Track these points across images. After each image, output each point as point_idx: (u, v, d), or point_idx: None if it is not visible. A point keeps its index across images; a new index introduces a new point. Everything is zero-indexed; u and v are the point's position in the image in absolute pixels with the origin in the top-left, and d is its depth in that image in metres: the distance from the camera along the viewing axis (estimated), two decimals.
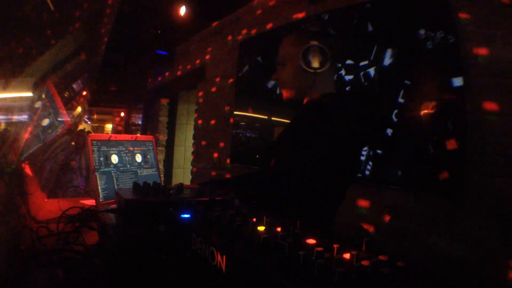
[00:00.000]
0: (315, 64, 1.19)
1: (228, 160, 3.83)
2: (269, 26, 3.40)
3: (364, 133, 1.27)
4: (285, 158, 1.28)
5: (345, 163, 1.21)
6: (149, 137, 1.76)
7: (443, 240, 1.89)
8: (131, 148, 1.64)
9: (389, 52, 2.23)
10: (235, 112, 3.74)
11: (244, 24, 3.81)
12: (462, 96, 1.87)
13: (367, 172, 2.30)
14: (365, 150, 2.29)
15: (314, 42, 1.19)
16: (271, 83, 3.25)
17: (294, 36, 1.31)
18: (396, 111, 2.14)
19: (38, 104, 1.81)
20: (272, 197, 1.27)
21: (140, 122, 8.08)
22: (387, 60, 2.24)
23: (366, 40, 2.37)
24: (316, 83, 1.24)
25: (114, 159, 1.55)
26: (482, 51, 1.84)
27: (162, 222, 0.94)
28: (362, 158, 2.31)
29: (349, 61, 2.45)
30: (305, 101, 1.30)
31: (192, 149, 4.79)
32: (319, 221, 1.17)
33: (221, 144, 4.04)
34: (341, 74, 2.46)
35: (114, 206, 1.28)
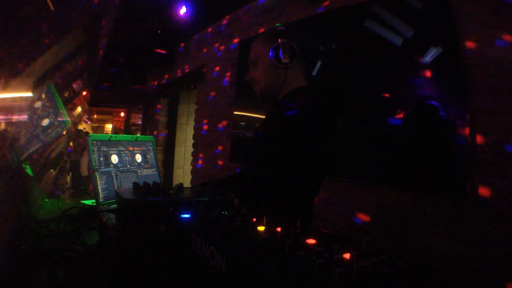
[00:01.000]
0: (285, 59, 1.24)
1: (228, 160, 3.83)
2: (269, 26, 3.40)
3: (334, 126, 1.31)
4: (257, 154, 1.34)
5: (316, 155, 1.24)
6: (149, 137, 1.76)
7: (443, 240, 1.89)
8: (131, 148, 1.64)
9: (391, 49, 2.23)
10: (235, 112, 3.74)
11: (244, 24, 3.81)
12: (462, 96, 1.87)
13: (367, 172, 2.30)
14: (365, 150, 2.30)
15: (283, 40, 1.25)
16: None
17: (264, 36, 1.38)
18: (396, 110, 2.14)
19: (38, 104, 1.81)
20: (246, 193, 1.30)
21: (140, 122, 8.08)
22: (386, 56, 2.25)
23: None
24: (287, 78, 1.28)
25: (114, 159, 1.55)
26: (482, 51, 1.84)
27: (162, 222, 0.94)
28: (362, 158, 2.32)
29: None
30: (279, 96, 1.35)
31: (192, 149, 4.79)
32: (293, 213, 1.19)
33: (221, 144, 4.05)
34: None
35: (114, 206, 1.28)
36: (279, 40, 1.25)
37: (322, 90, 1.45)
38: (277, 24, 1.34)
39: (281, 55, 1.24)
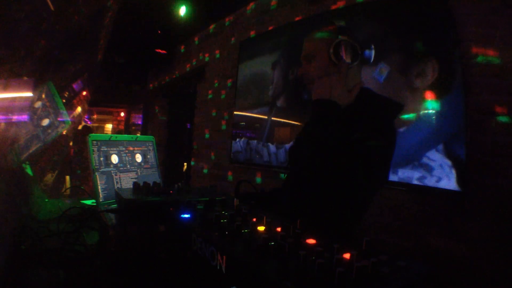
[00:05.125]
0: (347, 59, 1.15)
1: (228, 160, 3.83)
2: (269, 26, 3.40)
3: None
4: (311, 158, 1.20)
5: (385, 161, 1.16)
6: (149, 137, 1.76)
7: (443, 240, 1.89)
8: (131, 148, 1.64)
9: (393, 55, 2.23)
10: (235, 112, 3.74)
11: (244, 24, 3.81)
12: (462, 96, 1.87)
13: None
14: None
15: (344, 37, 1.16)
16: (271, 90, 3.25)
17: (321, 31, 1.26)
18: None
19: (38, 104, 1.81)
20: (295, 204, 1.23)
21: (140, 122, 8.08)
22: (390, 62, 2.25)
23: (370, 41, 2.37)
24: (348, 78, 1.17)
25: (114, 159, 1.55)
26: (482, 51, 1.84)
27: (162, 222, 0.94)
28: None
29: None
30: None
31: (192, 149, 4.79)
32: (339, 225, 1.12)
33: (221, 144, 4.05)
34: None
35: (114, 206, 1.28)
36: (340, 37, 1.15)
37: (382, 96, 1.31)
38: (338, 21, 1.20)
39: (342, 53, 1.14)
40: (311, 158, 1.14)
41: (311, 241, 0.67)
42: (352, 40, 1.17)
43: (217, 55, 4.28)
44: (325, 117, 1.11)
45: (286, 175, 1.45)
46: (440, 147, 1.94)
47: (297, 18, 3.06)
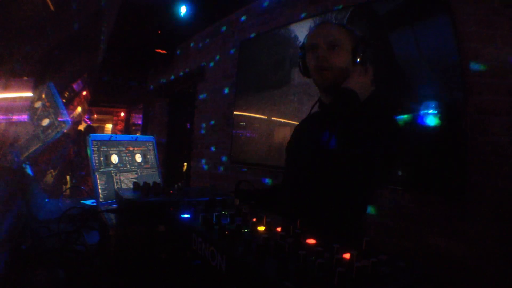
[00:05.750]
0: (361, 58, 1.18)
1: (228, 160, 3.83)
2: (269, 26, 3.40)
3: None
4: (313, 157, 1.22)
5: (391, 160, 1.17)
6: (149, 137, 1.76)
7: (443, 240, 1.89)
8: (131, 148, 1.64)
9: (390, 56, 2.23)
10: (235, 112, 3.74)
11: (244, 24, 3.81)
12: (462, 96, 1.87)
13: None
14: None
15: (364, 36, 1.20)
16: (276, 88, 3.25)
17: (342, 23, 1.30)
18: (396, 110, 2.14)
19: (38, 104, 1.81)
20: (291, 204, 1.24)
21: (140, 122, 8.08)
22: (390, 63, 2.25)
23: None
24: (355, 76, 1.18)
25: (114, 159, 1.55)
26: (482, 51, 1.84)
27: (162, 222, 0.94)
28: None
29: None
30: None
31: (192, 149, 4.79)
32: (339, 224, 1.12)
33: (221, 144, 4.05)
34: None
35: (114, 206, 1.28)
36: (362, 36, 1.21)
37: (384, 94, 1.35)
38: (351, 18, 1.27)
39: (361, 51, 1.18)
40: (317, 156, 1.14)
41: (311, 241, 0.67)
42: (369, 40, 1.21)
43: (217, 55, 4.28)
44: (347, 106, 1.10)
45: (284, 174, 1.45)
46: (440, 146, 1.94)
47: (297, 18, 3.06)
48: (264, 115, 3.34)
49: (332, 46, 1.20)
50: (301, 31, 2.96)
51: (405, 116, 2.09)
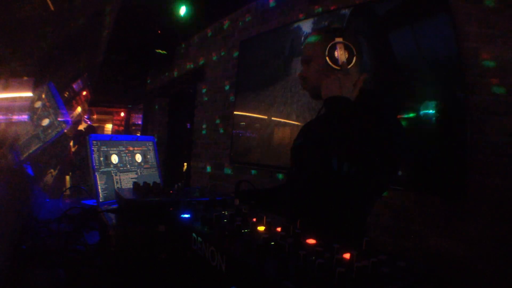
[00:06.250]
0: (341, 61, 1.16)
1: (228, 160, 3.83)
2: (270, 26, 3.40)
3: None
4: (311, 161, 1.24)
5: (388, 164, 1.13)
6: (149, 137, 1.76)
7: (443, 240, 1.89)
8: (131, 148, 1.64)
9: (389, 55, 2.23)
10: (235, 112, 3.74)
11: (244, 24, 3.81)
12: (462, 96, 1.87)
13: None
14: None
15: (339, 39, 1.17)
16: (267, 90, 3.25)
17: (318, 34, 1.29)
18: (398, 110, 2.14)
19: (38, 104, 1.81)
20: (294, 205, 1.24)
21: (140, 122, 8.09)
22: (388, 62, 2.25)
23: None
24: (342, 80, 1.16)
25: (114, 159, 1.55)
26: (482, 51, 1.84)
27: (162, 222, 0.94)
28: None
29: None
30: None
31: (192, 149, 4.79)
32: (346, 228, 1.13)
33: (221, 144, 4.05)
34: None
35: (114, 206, 1.28)
36: (335, 40, 1.17)
37: (384, 94, 1.34)
38: (332, 22, 1.27)
39: (338, 56, 1.16)
40: (323, 159, 1.13)
41: (311, 241, 0.67)
42: (347, 40, 1.18)
43: (217, 55, 4.28)
44: (340, 113, 1.10)
45: (287, 175, 1.44)
46: (440, 146, 1.94)
47: (297, 18, 3.06)
48: (264, 115, 3.34)
49: (307, 63, 1.29)
50: (301, 31, 2.96)
51: (405, 116, 2.09)
